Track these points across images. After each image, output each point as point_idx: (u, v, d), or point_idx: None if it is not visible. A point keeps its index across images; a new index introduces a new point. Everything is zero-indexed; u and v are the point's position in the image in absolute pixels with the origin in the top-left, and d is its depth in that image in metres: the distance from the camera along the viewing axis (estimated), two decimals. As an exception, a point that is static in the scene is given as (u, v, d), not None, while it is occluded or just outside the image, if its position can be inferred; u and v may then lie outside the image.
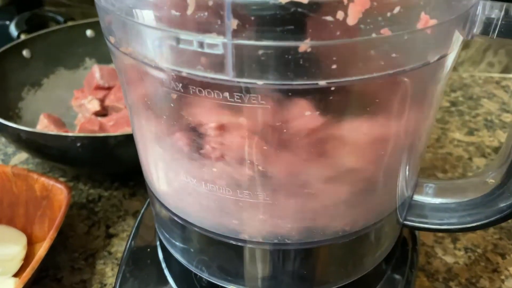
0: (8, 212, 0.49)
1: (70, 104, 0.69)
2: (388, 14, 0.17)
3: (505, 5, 0.21)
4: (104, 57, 0.75)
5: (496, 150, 0.64)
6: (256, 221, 0.23)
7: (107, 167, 0.55)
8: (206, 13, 0.17)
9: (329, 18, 0.16)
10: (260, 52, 0.17)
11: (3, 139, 0.66)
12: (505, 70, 0.82)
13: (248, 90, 0.18)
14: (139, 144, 0.27)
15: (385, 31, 0.17)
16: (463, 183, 0.30)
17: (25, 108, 0.66)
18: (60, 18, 0.75)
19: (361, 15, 0.16)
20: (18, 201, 0.49)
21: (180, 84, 0.19)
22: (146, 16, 0.18)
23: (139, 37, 0.19)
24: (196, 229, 0.25)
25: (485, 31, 0.22)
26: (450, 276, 0.46)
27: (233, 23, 0.17)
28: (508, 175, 0.26)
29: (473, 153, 0.64)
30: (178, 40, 0.18)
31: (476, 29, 0.22)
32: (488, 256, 0.48)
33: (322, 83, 0.18)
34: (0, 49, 0.65)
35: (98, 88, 0.68)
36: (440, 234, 0.51)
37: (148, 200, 0.39)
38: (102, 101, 0.66)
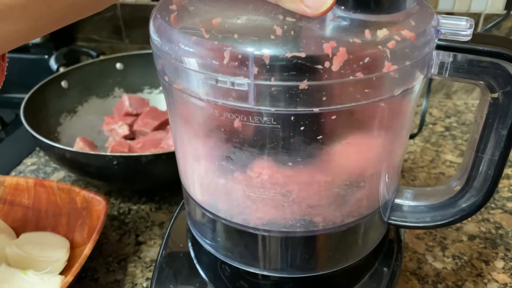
0: (52, 221, 0.57)
1: (101, 129, 0.77)
2: (361, 63, 0.25)
3: (452, 53, 0.29)
4: (131, 87, 0.83)
5: (485, 170, 0.71)
6: (270, 214, 0.31)
7: (137, 183, 0.62)
8: (236, 63, 0.25)
9: (319, 66, 0.24)
10: (273, 89, 0.25)
11: (42, 159, 0.75)
12: (495, 98, 0.89)
13: (264, 115, 0.26)
14: (179, 155, 0.35)
15: (359, 75, 0.25)
16: (434, 190, 0.37)
17: (63, 132, 0.74)
18: (93, 53, 0.84)
19: (342, 64, 0.24)
20: (61, 211, 0.57)
21: (217, 111, 0.27)
22: (193, 63, 0.26)
23: (188, 78, 0.27)
24: (222, 221, 0.32)
25: (440, 71, 0.30)
26: (439, 280, 0.52)
27: (254, 70, 0.25)
28: (467, 182, 0.34)
29: (463, 172, 0.70)
30: (216, 81, 0.26)
31: (433, 70, 0.30)
32: (473, 262, 0.54)
33: (315, 110, 0.26)
34: (42, 81, 0.74)
35: (127, 114, 0.76)
36: (430, 243, 0.57)
37: (180, 206, 0.47)
38: (130, 126, 0.75)
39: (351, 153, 0.29)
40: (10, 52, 0.87)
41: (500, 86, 0.28)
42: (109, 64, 0.82)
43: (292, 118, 0.26)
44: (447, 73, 0.29)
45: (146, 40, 0.93)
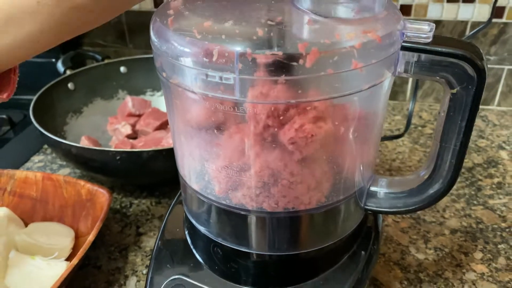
0: (58, 213, 0.61)
1: (105, 129, 0.81)
2: (330, 60, 0.29)
3: (416, 53, 0.33)
4: (134, 89, 0.87)
5: (470, 169, 0.74)
6: (256, 196, 0.34)
7: (139, 178, 0.66)
8: (224, 60, 0.29)
9: (294, 63, 0.28)
10: (255, 82, 0.29)
11: (48, 157, 0.79)
12: (483, 102, 0.93)
13: (248, 105, 0.30)
14: (176, 145, 0.39)
15: (330, 71, 0.29)
16: (405, 178, 0.40)
17: (69, 131, 0.78)
18: (98, 57, 0.88)
19: (314, 62, 0.28)
20: (67, 203, 0.61)
21: (207, 102, 0.31)
22: (187, 60, 0.30)
23: (182, 73, 0.31)
24: (214, 203, 0.36)
25: (405, 70, 0.33)
26: (420, 269, 0.56)
27: (239, 66, 0.29)
28: (433, 171, 0.37)
29: (448, 171, 0.74)
30: (207, 76, 0.30)
31: (400, 69, 0.34)
32: (454, 254, 0.58)
33: (292, 101, 0.30)
34: (50, 83, 0.78)
35: (130, 115, 0.80)
36: (414, 236, 0.60)
37: (177, 195, 0.50)
38: (133, 126, 0.78)
39: (327, 142, 0.33)
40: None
41: (458, 82, 0.32)
42: (113, 68, 0.86)
43: (272, 108, 0.30)
44: (412, 71, 0.33)
45: (149, 45, 0.97)
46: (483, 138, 0.83)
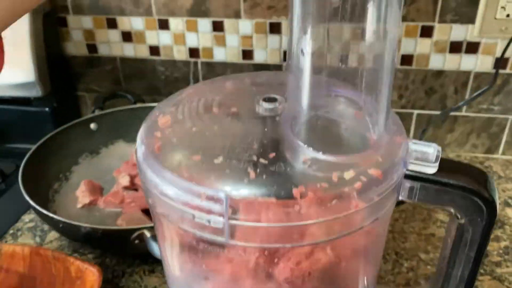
0: (47, 289, 0.58)
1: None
2: (328, 205, 0.26)
3: (419, 183, 0.30)
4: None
5: (475, 231, 0.72)
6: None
7: (127, 252, 0.64)
8: (212, 202, 0.27)
9: (289, 209, 0.26)
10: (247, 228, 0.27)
11: (40, 216, 0.76)
12: (487, 151, 0.90)
13: (238, 248, 0.28)
14: (166, 271, 0.36)
15: (327, 216, 0.26)
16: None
17: (76, 171, 0.77)
18: (131, 97, 0.86)
19: (310, 207, 0.26)
20: (56, 280, 0.58)
21: (194, 240, 0.29)
22: (172, 197, 0.28)
23: (168, 208, 0.29)
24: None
25: (409, 196, 0.31)
26: None
27: (229, 211, 0.26)
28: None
29: (453, 235, 0.71)
30: (193, 216, 0.27)
31: (403, 195, 0.31)
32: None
33: (287, 245, 0.27)
34: (71, 121, 0.77)
35: (135, 164, 0.77)
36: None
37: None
38: (132, 177, 0.75)
39: (326, 276, 0.31)
40: (13, 104, 0.89)
41: (465, 214, 0.30)
42: (142, 111, 0.82)
43: (266, 252, 0.28)
44: (416, 198, 0.31)
45: (144, 91, 0.95)
46: (488, 193, 0.80)
